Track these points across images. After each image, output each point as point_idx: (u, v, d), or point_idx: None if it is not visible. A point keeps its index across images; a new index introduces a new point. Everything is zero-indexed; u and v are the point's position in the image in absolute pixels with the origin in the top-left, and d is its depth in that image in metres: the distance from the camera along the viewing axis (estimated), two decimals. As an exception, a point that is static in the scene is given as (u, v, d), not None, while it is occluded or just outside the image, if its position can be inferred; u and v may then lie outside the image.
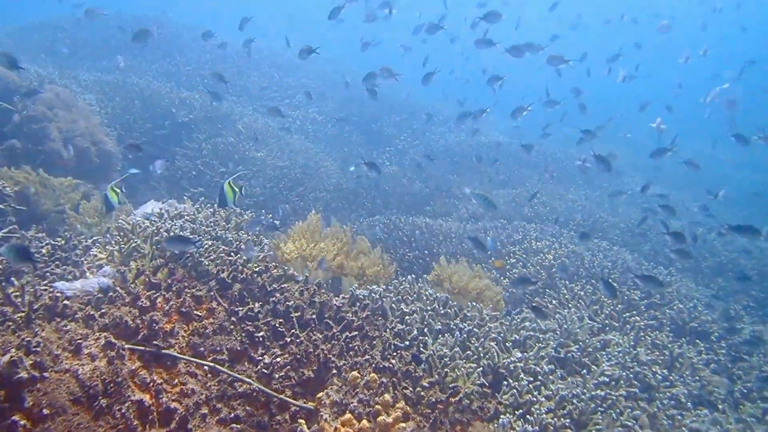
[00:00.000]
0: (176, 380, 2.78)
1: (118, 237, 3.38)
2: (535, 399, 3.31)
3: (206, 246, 3.40)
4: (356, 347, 3.34)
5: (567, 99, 9.71)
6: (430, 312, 3.77)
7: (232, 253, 3.48)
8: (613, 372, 3.83)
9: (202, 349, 3.00)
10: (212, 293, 3.24)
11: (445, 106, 15.17)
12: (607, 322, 4.65)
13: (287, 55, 13.92)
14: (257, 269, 3.47)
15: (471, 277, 4.14)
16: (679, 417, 3.81)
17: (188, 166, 8.02)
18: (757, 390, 4.80)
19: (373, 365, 3.22)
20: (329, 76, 14.52)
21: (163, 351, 2.80)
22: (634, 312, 4.96)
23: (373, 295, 3.65)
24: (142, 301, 2.94)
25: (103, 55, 11.50)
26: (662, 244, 8.75)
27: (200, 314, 3.11)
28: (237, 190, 3.84)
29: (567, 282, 5.57)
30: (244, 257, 3.47)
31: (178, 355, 2.81)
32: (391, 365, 3.23)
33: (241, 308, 3.27)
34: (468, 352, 3.49)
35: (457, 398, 3.19)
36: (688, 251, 5.78)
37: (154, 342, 2.81)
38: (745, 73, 13.41)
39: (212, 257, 3.36)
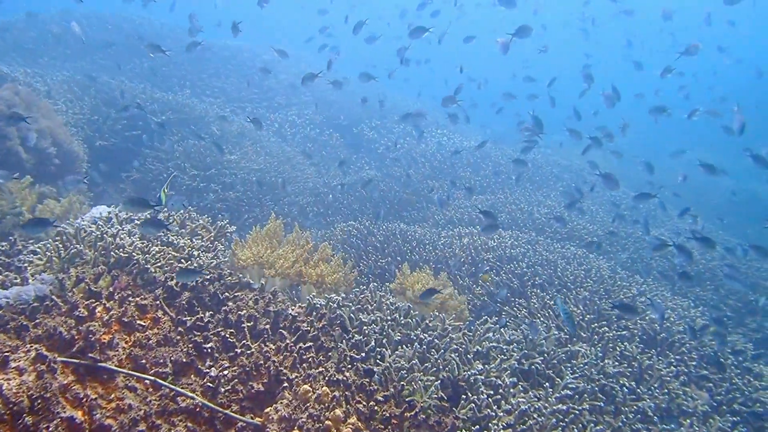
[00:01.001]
0: (113, 395, 2.64)
1: (58, 242, 3.23)
2: (493, 414, 3.20)
3: (154, 252, 3.26)
4: (310, 359, 3.22)
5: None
6: (390, 322, 3.65)
7: (182, 260, 3.35)
8: (577, 385, 3.74)
9: (144, 361, 2.86)
10: (158, 302, 3.10)
11: (428, 109, 15.09)
12: (576, 333, 4.56)
13: (268, 57, 13.78)
14: (209, 277, 3.34)
15: (434, 285, 4.03)
16: (645, 431, 3.73)
17: (159, 168, 7.86)
18: (726, 403, 4.74)
19: (327, 378, 3.10)
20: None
21: (99, 364, 2.65)
22: (604, 322, 4.87)
23: (330, 304, 3.53)
24: (80, 311, 2.80)
25: (78, 56, 11.30)
26: (640, 252, 8.72)
27: (144, 324, 2.98)
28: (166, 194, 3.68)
29: (538, 291, 5.49)
30: (196, 264, 3.34)
31: (115, 368, 2.67)
32: (345, 378, 3.11)
33: (189, 318, 3.13)
34: (427, 364, 3.38)
35: (412, 413, 3.07)
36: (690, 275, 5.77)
37: (90, 354, 2.67)
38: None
39: (160, 264, 3.23)
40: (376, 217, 8.04)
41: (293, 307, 3.50)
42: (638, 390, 4.22)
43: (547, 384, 3.59)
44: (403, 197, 9.39)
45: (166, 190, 3.63)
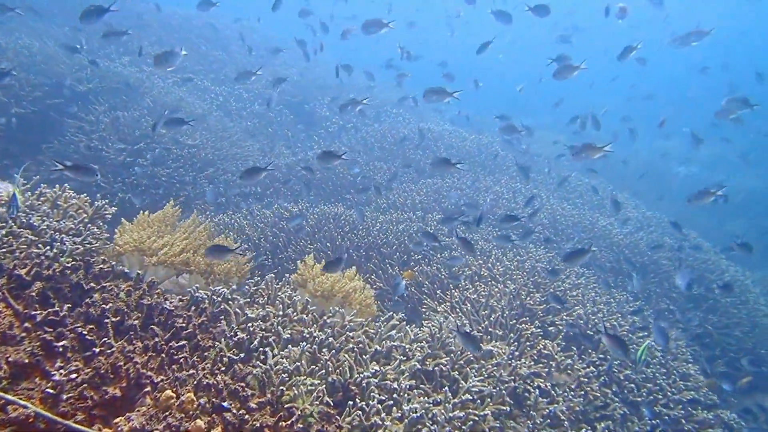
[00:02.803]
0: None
1: None
2: (380, 422, 2.94)
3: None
4: (182, 360, 2.91)
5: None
6: (281, 318, 3.36)
7: (40, 245, 2.99)
8: (481, 388, 3.51)
9: (-27, 362, 2.51)
10: (2, 293, 2.75)
11: (386, 90, 14.73)
12: (491, 330, 4.33)
13: (219, 26, 13.21)
14: (71, 264, 2.99)
15: (338, 278, 3.75)
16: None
17: (82, 140, 7.38)
18: (647, 404, 4.59)
19: (196, 382, 2.80)
20: (259, 50, 13.87)
21: None
22: (527, 319, 4.66)
23: (214, 297, 3.21)
24: None
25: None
26: (584, 243, 8.57)
27: (-22, 320, 2.62)
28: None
29: (464, 283, 5.25)
30: (55, 250, 2.98)
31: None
32: (216, 382, 2.81)
33: (40, 312, 2.78)
34: (314, 366, 3.10)
35: (289, 422, 2.79)
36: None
37: None
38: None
39: (11, 248, 2.87)
40: (305, 194, 7.75)
41: (172, 301, 3.18)
42: (553, 392, 4.03)
43: (446, 388, 3.35)
44: (348, 178, 9.07)
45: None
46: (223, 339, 3.08)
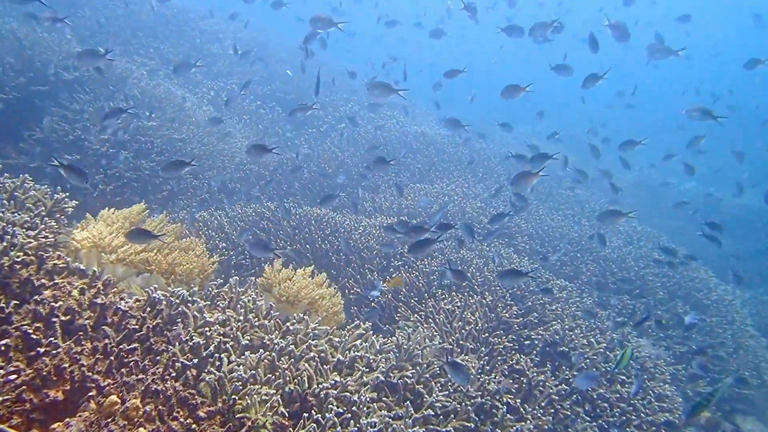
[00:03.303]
0: None
1: None
2: (336, 437, 2.84)
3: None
4: (132, 363, 2.80)
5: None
6: (242, 323, 3.26)
7: (-10, 239, 2.89)
8: (445, 403, 3.41)
9: None
10: (-59, 288, 2.64)
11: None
12: (462, 343, 4.23)
13: (214, 21, 13.10)
14: (21, 259, 2.88)
15: (305, 284, 3.65)
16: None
17: (65, 129, 7.25)
18: (620, 425, 4.50)
19: (144, 387, 2.69)
20: (254, 44, 13.75)
21: None
22: (502, 332, 4.57)
23: (172, 298, 3.11)
24: None
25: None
26: (570, 255, 8.49)
27: None
28: None
29: (440, 293, 5.16)
30: (5, 243, 2.87)
31: None
32: (165, 389, 2.71)
33: (-17, 309, 2.67)
34: (270, 375, 3.00)
35: (238, 433, 2.69)
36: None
37: None
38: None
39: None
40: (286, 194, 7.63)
41: (128, 301, 3.07)
42: (522, 409, 3.94)
43: (408, 402, 3.25)
44: (335, 180, 8.96)
45: None
46: (177, 343, 2.97)
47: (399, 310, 4.88)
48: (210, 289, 3.39)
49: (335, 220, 6.75)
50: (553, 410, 4.08)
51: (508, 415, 3.78)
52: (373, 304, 5.36)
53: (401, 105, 12.37)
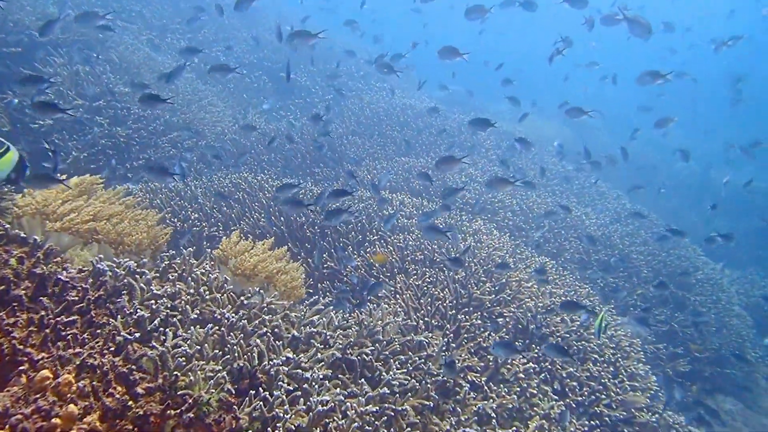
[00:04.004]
0: None
1: None
2: (282, 415, 2.74)
3: None
4: (70, 337, 2.69)
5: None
6: (192, 296, 3.14)
7: None
8: (403, 381, 3.32)
9: None
10: None
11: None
12: (427, 320, 4.13)
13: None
14: (-48, 228, 2.75)
15: (262, 257, 3.52)
16: (477, 436, 3.36)
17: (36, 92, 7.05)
18: (589, 404, 4.44)
19: (80, 362, 2.58)
20: (250, 15, 13.44)
21: None
22: (470, 309, 4.47)
23: (117, 270, 2.98)
24: None
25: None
26: (555, 232, 8.39)
27: None
28: None
29: (416, 268, 5.05)
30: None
31: None
32: (102, 363, 2.60)
33: None
34: (218, 350, 2.89)
35: (177, 411, 2.59)
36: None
37: None
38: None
39: None
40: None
41: (71, 271, 2.95)
42: (486, 388, 3.86)
43: (363, 380, 3.16)
44: (318, 152, 8.80)
45: None
46: (120, 316, 2.86)
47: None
48: (161, 260, 3.27)
49: (312, 193, 6.62)
50: (519, 389, 4.00)
51: (471, 393, 3.70)
52: (345, 279, 5.26)
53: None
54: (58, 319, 2.71)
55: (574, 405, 4.27)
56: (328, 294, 5.03)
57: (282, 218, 6.01)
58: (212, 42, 11.40)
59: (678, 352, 7.81)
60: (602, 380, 4.60)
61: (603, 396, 4.48)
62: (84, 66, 7.55)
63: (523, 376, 4.05)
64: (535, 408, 4.01)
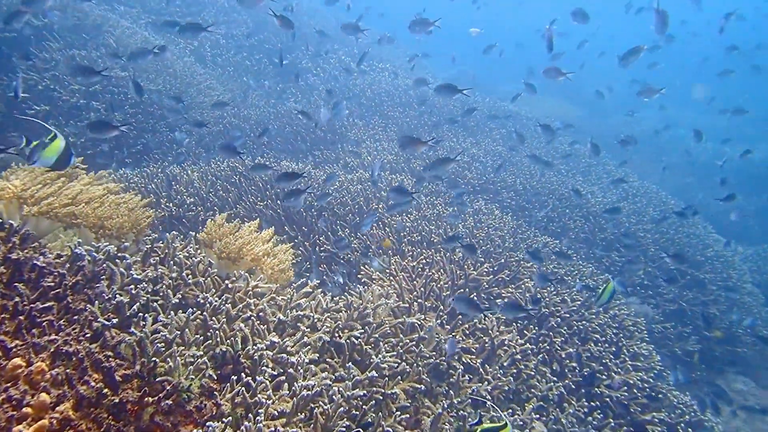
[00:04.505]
0: None
1: None
2: (265, 400, 2.67)
3: None
4: (46, 323, 2.63)
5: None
6: (174, 280, 3.07)
7: None
8: (392, 364, 3.24)
9: None
10: None
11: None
12: (421, 301, 4.04)
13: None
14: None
15: (248, 240, 3.44)
16: (470, 420, 3.28)
17: (34, 78, 6.99)
18: (586, 385, 4.35)
19: (54, 349, 2.52)
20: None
21: None
22: (468, 290, 4.38)
23: (96, 254, 2.91)
24: None
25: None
26: (559, 211, 8.25)
27: None
28: None
29: (412, 249, 4.96)
30: None
31: None
32: (77, 350, 2.54)
33: None
34: (200, 335, 2.82)
35: (155, 397, 2.53)
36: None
37: None
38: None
39: None
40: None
41: (48, 256, 2.88)
42: (482, 370, 3.77)
43: (350, 363, 3.08)
44: (318, 134, 8.70)
45: None
46: (98, 302, 2.79)
47: (362, 267, 4.68)
48: (143, 243, 3.20)
49: (311, 174, 6.53)
50: (515, 370, 3.91)
51: (465, 375, 3.62)
52: (342, 261, 5.18)
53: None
54: (33, 305, 2.65)
55: (573, 386, 4.17)
56: (325, 277, 4.96)
57: (278, 201, 5.93)
58: (212, 25, 11.22)
59: (686, 331, 7.69)
60: (603, 360, 4.50)
61: (604, 376, 4.39)
62: (80, 51, 7.46)
63: (519, 357, 3.96)
64: (532, 390, 3.92)
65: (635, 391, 4.39)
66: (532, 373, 3.98)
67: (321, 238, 5.53)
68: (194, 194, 5.94)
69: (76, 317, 2.74)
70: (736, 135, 16.62)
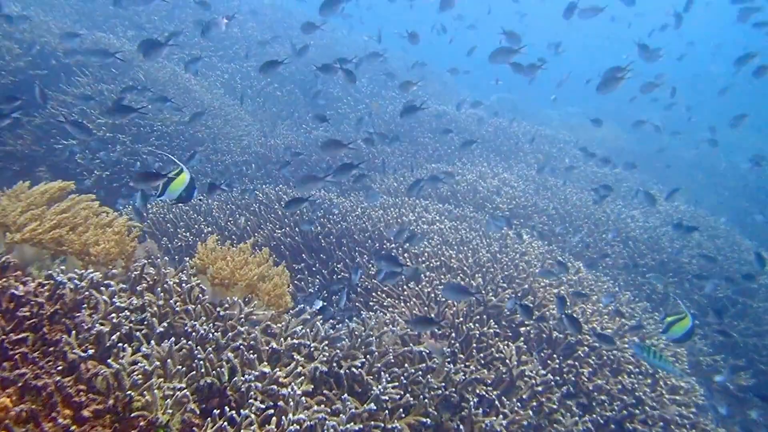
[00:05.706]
0: None
1: None
2: (247, 437, 2.47)
3: None
4: (19, 356, 2.51)
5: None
6: (161, 308, 2.92)
7: None
8: (395, 395, 3.00)
9: None
10: None
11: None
12: (434, 329, 3.78)
13: (234, 3, 12.86)
14: None
15: (240, 264, 3.28)
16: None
17: (63, 113, 7.13)
18: (620, 420, 3.98)
19: (22, 384, 2.39)
20: (280, 26, 13.48)
21: None
22: (487, 317, 4.09)
23: (78, 282, 2.80)
24: None
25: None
26: (595, 236, 7.87)
27: None
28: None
29: (431, 275, 4.71)
30: None
31: None
32: (46, 384, 2.40)
33: None
34: (180, 366, 2.65)
35: (127, 433, 2.36)
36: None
37: None
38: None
39: None
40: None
41: (29, 285, 2.78)
42: (497, 403, 3.48)
43: (345, 395, 2.85)
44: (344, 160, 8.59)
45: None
46: (76, 332, 2.66)
47: (373, 294, 4.46)
48: (131, 270, 3.08)
49: (333, 202, 6.39)
50: (536, 403, 3.60)
51: (478, 409, 3.34)
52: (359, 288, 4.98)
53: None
54: (6, 336, 2.53)
55: (601, 421, 3.82)
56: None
57: (297, 228, 5.79)
58: (243, 58, 11.37)
59: (739, 364, 7.16)
60: (636, 393, 4.13)
61: (637, 411, 4.02)
62: (108, 85, 7.60)
63: (540, 389, 3.65)
64: (555, 425, 3.60)
65: (672, 427, 4.00)
66: (554, 406, 3.65)
67: (339, 266, 5.35)
68: (212, 224, 5.87)
69: (51, 349, 2.62)
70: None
